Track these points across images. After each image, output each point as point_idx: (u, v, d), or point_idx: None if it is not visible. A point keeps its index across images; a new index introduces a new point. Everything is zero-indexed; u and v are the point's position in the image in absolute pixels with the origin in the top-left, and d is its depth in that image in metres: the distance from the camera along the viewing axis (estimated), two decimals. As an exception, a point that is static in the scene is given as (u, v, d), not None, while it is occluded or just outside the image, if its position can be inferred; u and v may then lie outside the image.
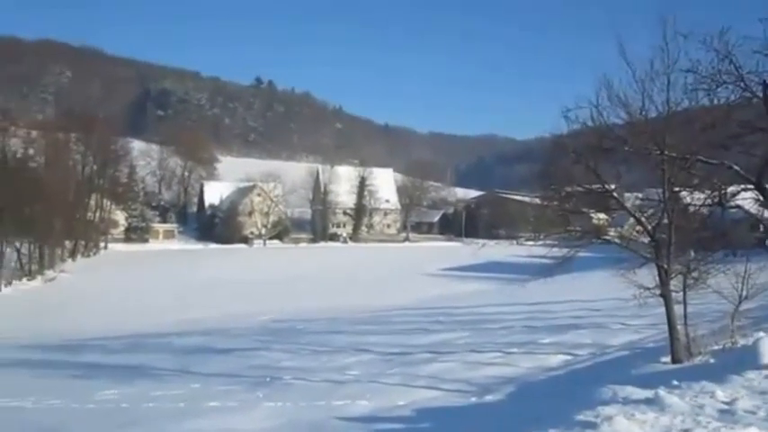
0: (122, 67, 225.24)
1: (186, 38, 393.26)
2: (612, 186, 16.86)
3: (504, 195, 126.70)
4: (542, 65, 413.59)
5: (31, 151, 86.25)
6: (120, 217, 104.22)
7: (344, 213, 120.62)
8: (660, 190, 15.45)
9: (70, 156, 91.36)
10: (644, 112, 14.89)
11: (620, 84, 14.94)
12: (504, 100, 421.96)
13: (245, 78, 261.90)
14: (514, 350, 19.35)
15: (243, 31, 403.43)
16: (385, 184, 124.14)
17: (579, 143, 16.81)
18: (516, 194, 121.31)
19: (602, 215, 23.03)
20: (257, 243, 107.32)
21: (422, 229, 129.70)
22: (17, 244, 70.47)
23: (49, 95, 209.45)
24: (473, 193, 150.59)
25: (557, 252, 16.42)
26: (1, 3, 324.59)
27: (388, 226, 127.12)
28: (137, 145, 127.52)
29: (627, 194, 20.26)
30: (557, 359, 17.58)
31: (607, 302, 28.47)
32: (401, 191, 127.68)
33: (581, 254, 18.93)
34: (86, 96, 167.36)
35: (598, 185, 16.21)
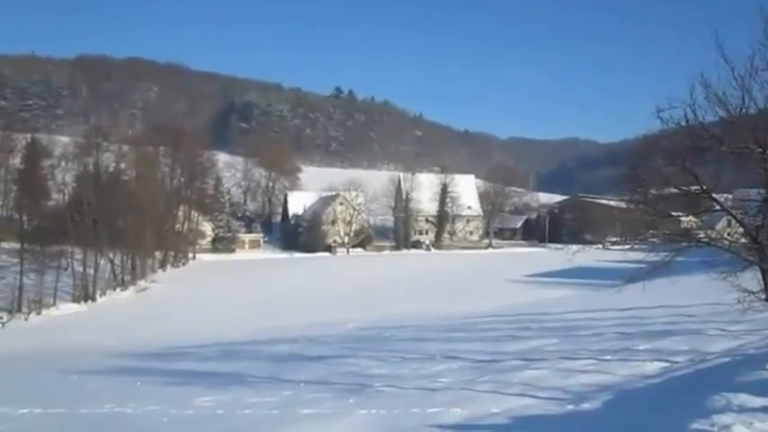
0: (207, 81, 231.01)
1: (268, 51, 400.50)
2: (707, 187, 16.34)
3: (589, 199, 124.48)
4: (626, 66, 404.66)
5: (122, 165, 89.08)
6: (207, 228, 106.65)
7: (426, 221, 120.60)
8: (761, 190, 14.92)
9: (159, 169, 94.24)
10: (744, 110, 14.37)
11: (718, 81, 14.46)
12: (585, 103, 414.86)
13: (325, 89, 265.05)
14: (608, 357, 18.82)
15: (323, 42, 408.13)
16: (467, 190, 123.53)
17: (672, 143, 16.36)
18: (601, 198, 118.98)
19: (691, 218, 22.36)
20: (341, 251, 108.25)
21: (504, 235, 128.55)
22: (110, 255, 72.94)
23: (137, 111, 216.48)
24: (556, 198, 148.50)
25: (654, 256, 15.93)
26: (92, 24, 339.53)
27: (471, 232, 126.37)
28: (222, 157, 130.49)
29: (716, 195, 19.56)
30: (653, 366, 17.00)
31: (702, 308, 27.52)
32: (483, 197, 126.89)
33: (657, 258, 18.43)
34: (173, 111, 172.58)
35: (695, 187, 15.72)
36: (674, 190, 16.72)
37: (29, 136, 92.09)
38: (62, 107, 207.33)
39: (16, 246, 64.58)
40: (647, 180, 18.02)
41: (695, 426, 6.83)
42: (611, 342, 21.95)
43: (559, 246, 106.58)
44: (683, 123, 15.03)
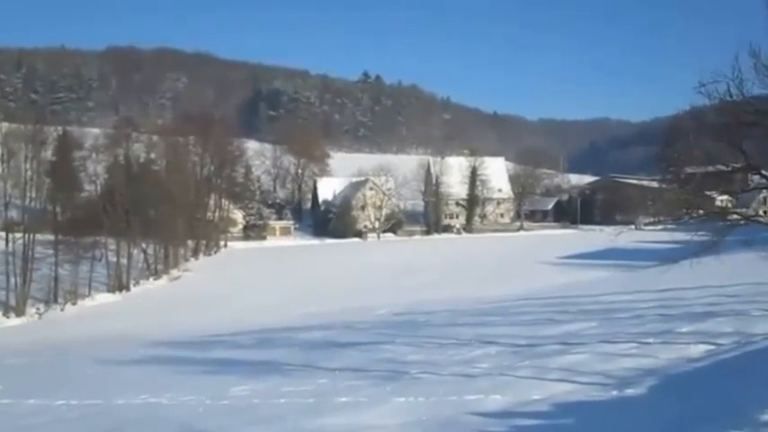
0: (234, 69, 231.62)
1: (294, 37, 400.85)
2: (753, 163, 15.73)
3: (621, 180, 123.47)
4: (658, 42, 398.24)
5: (152, 155, 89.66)
6: (238, 216, 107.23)
7: (457, 204, 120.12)
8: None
9: (189, 158, 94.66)
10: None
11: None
12: (615, 82, 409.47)
13: (352, 74, 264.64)
14: (650, 340, 18.33)
15: (349, 26, 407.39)
16: (497, 173, 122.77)
17: (711, 119, 15.81)
18: (633, 178, 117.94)
19: (725, 197, 21.77)
20: (371, 237, 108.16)
21: (536, 217, 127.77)
22: (143, 245, 73.48)
23: (166, 101, 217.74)
24: (587, 179, 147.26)
25: (701, 236, 15.39)
26: (120, 15, 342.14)
27: (502, 215, 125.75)
28: (251, 145, 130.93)
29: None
30: (698, 349, 16.50)
31: (743, 287, 26.91)
32: (513, 179, 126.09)
33: (705, 237, 17.87)
34: (201, 100, 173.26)
35: (736, 164, 15.16)
36: (721, 167, 16.11)
37: (60, 128, 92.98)
38: (92, 99, 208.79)
39: (51, 237, 65.18)
40: (682, 158, 17.45)
41: (766, 418, 6.42)
42: (651, 324, 21.46)
43: (592, 227, 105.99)
44: (727, 98, 14.42)
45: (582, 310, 28.15)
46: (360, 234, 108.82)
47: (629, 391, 12.79)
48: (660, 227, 31.87)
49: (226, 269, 79.10)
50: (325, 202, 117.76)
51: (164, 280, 72.87)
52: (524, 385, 14.54)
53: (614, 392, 12.83)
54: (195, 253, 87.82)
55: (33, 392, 20.73)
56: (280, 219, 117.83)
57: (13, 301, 57.24)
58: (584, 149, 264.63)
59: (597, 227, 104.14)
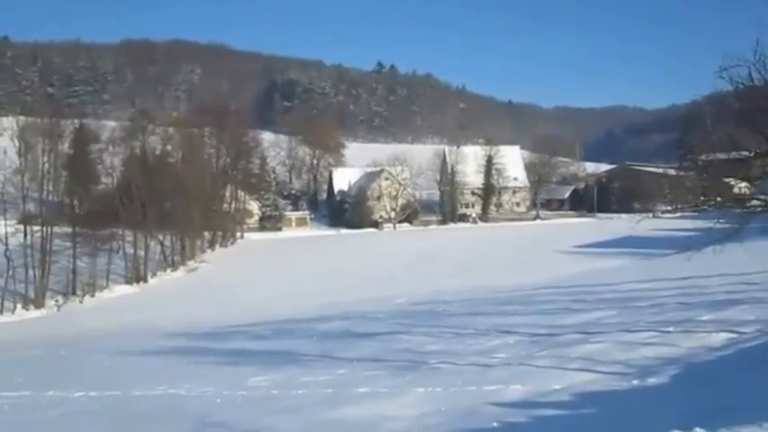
0: (249, 61, 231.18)
1: (308, 28, 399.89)
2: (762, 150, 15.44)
3: (637, 167, 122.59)
4: (673, 29, 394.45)
5: (168, 147, 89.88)
6: (254, 207, 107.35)
7: (473, 193, 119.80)
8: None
9: (205, 149, 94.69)
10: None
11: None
12: (631, 69, 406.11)
13: (367, 64, 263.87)
14: (671, 329, 18.14)
15: (363, 16, 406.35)
16: (512, 161, 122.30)
17: (728, 105, 15.56)
18: (650, 166, 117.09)
19: (743, 183, 21.45)
20: (387, 227, 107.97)
21: (552, 205, 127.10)
22: (160, 237, 73.71)
23: (181, 93, 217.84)
24: (603, 167, 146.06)
25: (723, 224, 15.16)
26: (135, 8, 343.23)
27: (518, 204, 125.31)
28: (266, 136, 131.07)
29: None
30: (720, 338, 16.31)
31: (765, 275, 26.62)
32: (529, 168, 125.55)
33: (727, 225, 17.66)
34: (216, 92, 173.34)
35: (761, 149, 14.90)
36: (744, 153, 15.81)
37: (76, 121, 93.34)
38: (108, 92, 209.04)
39: (68, 230, 65.53)
40: (701, 144, 17.18)
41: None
42: (672, 313, 21.25)
43: (609, 215, 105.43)
44: (749, 82, 14.16)
45: (600, 298, 27.93)
46: (375, 224, 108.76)
47: (651, 381, 12.66)
48: (679, 214, 31.29)
49: (242, 260, 79.28)
50: (341, 192, 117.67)
51: (181, 271, 73.12)
52: (544, 375, 14.44)
53: (635, 382, 12.70)
54: (212, 244, 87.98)
55: (52, 384, 20.82)
56: (295, 209, 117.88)
57: (32, 294, 57.60)
58: (600, 137, 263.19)
59: (614, 215, 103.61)
